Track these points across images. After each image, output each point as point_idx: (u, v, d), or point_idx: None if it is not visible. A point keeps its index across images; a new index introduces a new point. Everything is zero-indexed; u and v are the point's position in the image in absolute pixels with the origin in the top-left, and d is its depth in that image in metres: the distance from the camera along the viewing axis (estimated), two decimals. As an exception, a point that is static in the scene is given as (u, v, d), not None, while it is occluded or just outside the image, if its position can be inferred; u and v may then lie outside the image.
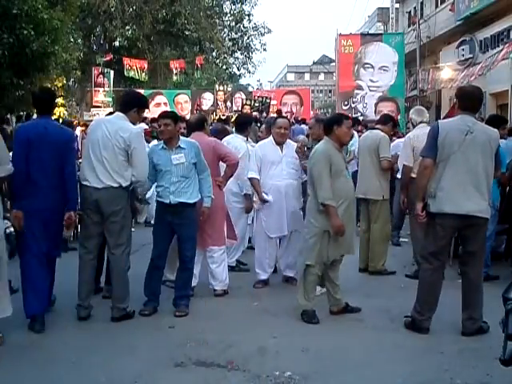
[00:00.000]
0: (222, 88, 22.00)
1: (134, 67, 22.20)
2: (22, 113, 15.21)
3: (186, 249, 5.21)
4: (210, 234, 5.61)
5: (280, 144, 5.97)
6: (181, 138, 5.21)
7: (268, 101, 21.38)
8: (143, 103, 5.24)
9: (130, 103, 5.03)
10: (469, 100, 4.70)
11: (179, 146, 5.12)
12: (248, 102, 21.30)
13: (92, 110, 21.07)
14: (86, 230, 4.97)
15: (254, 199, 6.20)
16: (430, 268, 4.65)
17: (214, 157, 5.61)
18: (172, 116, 5.21)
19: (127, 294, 4.94)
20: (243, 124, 6.91)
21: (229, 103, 20.81)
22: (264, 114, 20.21)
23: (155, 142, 9.31)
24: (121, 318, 4.87)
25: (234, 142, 6.57)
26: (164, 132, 5.10)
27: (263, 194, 5.88)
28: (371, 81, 19.26)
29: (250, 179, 6.00)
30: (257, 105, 20.38)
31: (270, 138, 6.10)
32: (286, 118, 7.04)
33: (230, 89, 22.19)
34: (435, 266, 4.63)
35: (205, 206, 5.26)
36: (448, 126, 4.62)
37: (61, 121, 13.35)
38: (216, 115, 19.90)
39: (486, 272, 6.15)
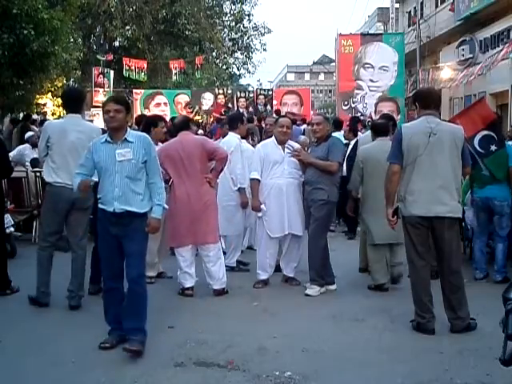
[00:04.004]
0: (221, 91, 21.88)
1: (133, 67, 22.17)
2: (22, 113, 15.23)
3: (129, 265, 4.21)
4: (204, 230, 5.60)
5: (282, 143, 5.98)
6: (129, 130, 4.29)
7: (271, 93, 21.56)
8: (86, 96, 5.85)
9: (81, 101, 5.50)
10: (428, 99, 4.75)
11: (126, 140, 4.17)
12: (243, 95, 21.39)
13: (92, 109, 21.04)
14: (53, 227, 5.21)
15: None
16: (416, 268, 4.68)
17: (202, 153, 5.60)
18: (124, 102, 4.34)
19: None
20: (232, 120, 7.01)
21: (230, 105, 20.72)
22: (268, 107, 20.34)
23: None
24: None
25: (227, 139, 6.71)
26: (114, 119, 4.14)
27: (261, 205, 5.91)
28: (371, 81, 19.26)
29: (251, 180, 6.02)
30: (261, 97, 20.55)
31: (272, 138, 6.13)
32: (288, 117, 7.06)
33: (230, 91, 22.09)
34: (421, 265, 4.66)
35: (153, 217, 4.25)
36: (411, 130, 4.67)
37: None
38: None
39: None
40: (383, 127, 6.23)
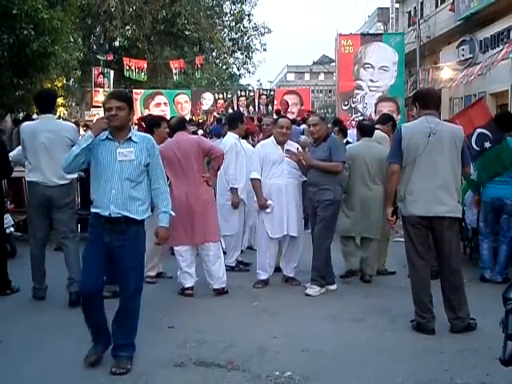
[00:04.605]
0: (221, 96, 21.79)
1: (133, 67, 22.18)
2: (22, 113, 15.22)
3: (125, 281, 3.85)
4: (203, 229, 5.61)
5: (281, 144, 5.98)
6: (133, 130, 3.99)
7: (272, 93, 21.64)
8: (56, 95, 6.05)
9: (53, 101, 5.63)
10: (428, 99, 4.77)
11: (130, 139, 3.82)
12: (243, 94, 21.41)
13: (92, 109, 21.05)
14: (36, 224, 5.42)
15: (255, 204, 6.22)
16: (416, 268, 4.69)
17: (198, 152, 5.62)
18: (127, 98, 3.93)
19: None
20: (232, 120, 7.05)
21: (230, 110, 20.66)
22: (270, 108, 20.40)
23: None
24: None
25: (225, 139, 6.76)
26: (116, 118, 3.75)
27: (268, 201, 5.90)
28: (371, 81, 19.23)
29: (252, 180, 6.03)
30: (264, 97, 20.61)
31: (272, 138, 6.13)
32: (287, 117, 7.06)
33: (230, 95, 22.01)
34: (421, 265, 4.67)
35: (161, 226, 3.94)
36: (411, 130, 4.69)
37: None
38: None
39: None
40: (369, 128, 6.49)
